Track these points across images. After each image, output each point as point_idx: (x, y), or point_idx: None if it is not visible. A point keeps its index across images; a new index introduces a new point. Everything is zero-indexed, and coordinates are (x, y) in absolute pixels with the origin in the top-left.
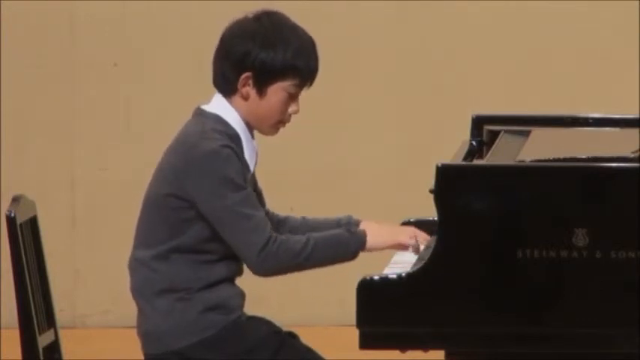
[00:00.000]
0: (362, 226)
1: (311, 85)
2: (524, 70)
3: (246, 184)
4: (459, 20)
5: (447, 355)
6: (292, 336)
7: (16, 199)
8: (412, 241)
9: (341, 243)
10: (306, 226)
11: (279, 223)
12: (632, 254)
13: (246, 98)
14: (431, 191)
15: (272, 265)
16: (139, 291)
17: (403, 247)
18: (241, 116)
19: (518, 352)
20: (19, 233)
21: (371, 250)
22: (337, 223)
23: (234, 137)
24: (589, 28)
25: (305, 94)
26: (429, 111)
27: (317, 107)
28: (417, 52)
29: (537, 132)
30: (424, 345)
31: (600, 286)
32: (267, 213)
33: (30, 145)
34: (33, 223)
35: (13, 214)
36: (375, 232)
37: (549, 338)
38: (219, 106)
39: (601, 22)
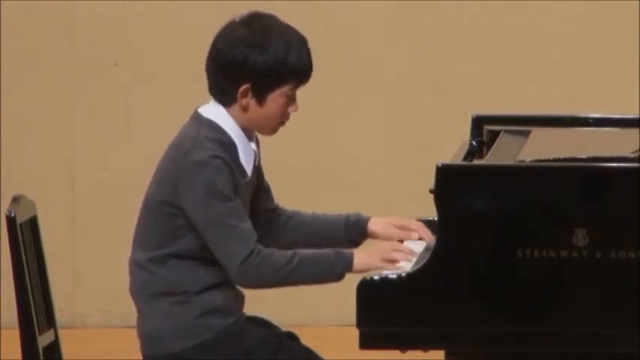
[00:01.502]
0: (370, 225)
1: (307, 82)
2: (524, 70)
3: (234, 195)
4: (459, 20)
5: (447, 355)
6: (292, 337)
7: (16, 199)
8: (400, 256)
9: (327, 263)
10: (315, 221)
11: (288, 218)
12: (632, 254)
13: (245, 109)
14: (431, 191)
15: (254, 278)
16: (137, 293)
17: (394, 262)
18: (238, 122)
19: (518, 352)
20: (19, 233)
21: (359, 271)
22: (346, 220)
23: (229, 144)
24: (589, 28)
25: (305, 95)
26: (429, 111)
27: (317, 107)
28: (417, 52)
29: (537, 132)
30: (424, 345)
31: (600, 286)
32: (277, 208)
33: (30, 145)
34: (33, 223)
35: (13, 214)
36: (361, 255)
37: (549, 338)
38: (215, 111)
39: (601, 22)
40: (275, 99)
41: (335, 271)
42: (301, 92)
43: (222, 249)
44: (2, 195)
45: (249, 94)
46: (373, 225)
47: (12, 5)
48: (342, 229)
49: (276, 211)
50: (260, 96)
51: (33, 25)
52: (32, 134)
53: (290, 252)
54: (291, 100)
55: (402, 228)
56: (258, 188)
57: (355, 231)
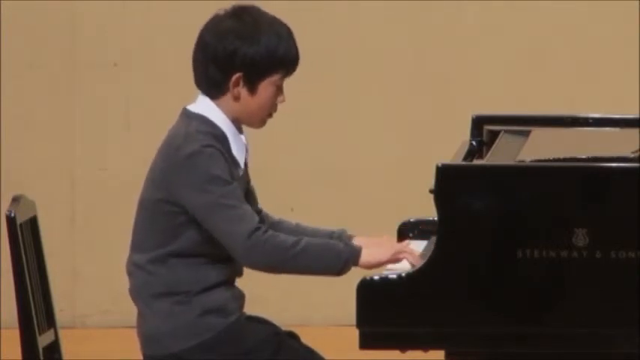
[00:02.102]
0: (354, 242)
1: (294, 72)
2: (524, 70)
3: (232, 180)
4: (459, 20)
5: (447, 355)
6: (292, 336)
7: (16, 199)
8: (406, 260)
9: (333, 252)
10: (299, 232)
11: (273, 226)
12: (632, 254)
13: (237, 98)
14: (431, 191)
15: (258, 255)
16: (137, 293)
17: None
18: (228, 114)
19: (518, 352)
20: (19, 233)
21: (363, 267)
22: (330, 236)
23: (221, 137)
24: (589, 28)
25: (305, 94)
26: (429, 111)
27: (317, 107)
28: (418, 52)
29: (537, 132)
30: (424, 345)
31: (600, 286)
32: (260, 213)
33: (30, 145)
34: (33, 223)
35: (13, 214)
36: (369, 250)
37: (549, 338)
38: (204, 106)
39: (601, 22)
40: (266, 88)
41: (341, 259)
42: (301, 92)
43: (225, 229)
44: (2, 195)
45: (241, 83)
46: (357, 244)
47: (12, 5)
48: None
49: (261, 214)
50: (251, 85)
51: (33, 25)
52: (32, 134)
53: (296, 237)
54: (279, 90)
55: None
56: (246, 189)
57: None
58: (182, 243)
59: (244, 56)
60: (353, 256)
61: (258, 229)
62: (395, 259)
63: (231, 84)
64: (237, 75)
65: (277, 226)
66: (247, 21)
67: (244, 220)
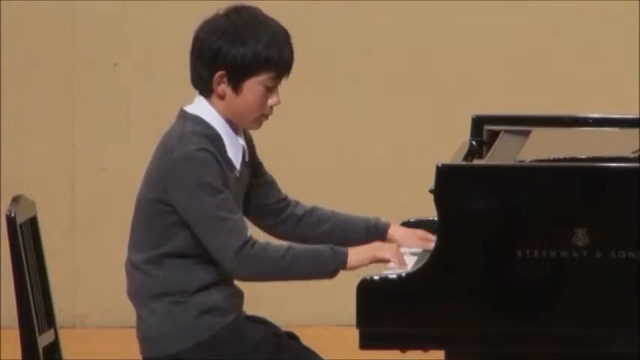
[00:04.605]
0: (390, 231)
1: (288, 75)
2: (524, 70)
3: (224, 188)
4: (459, 20)
5: (447, 355)
6: (292, 337)
7: (16, 199)
8: (394, 259)
9: (321, 259)
10: (335, 220)
11: (306, 213)
12: (632, 254)
13: (222, 97)
14: (431, 191)
15: (247, 269)
16: (135, 295)
17: (385, 262)
18: (222, 114)
19: (518, 352)
20: (19, 233)
21: (352, 269)
22: (366, 222)
23: (215, 138)
24: (589, 28)
25: (305, 94)
26: (429, 111)
27: (317, 107)
28: (417, 52)
29: (537, 132)
30: (424, 345)
31: (600, 286)
32: (286, 199)
33: (30, 145)
34: (33, 223)
35: (13, 214)
36: (354, 253)
37: (549, 338)
38: (199, 106)
39: (601, 22)
40: (251, 87)
41: (329, 268)
42: (301, 92)
43: (215, 241)
44: (2, 195)
45: (225, 81)
46: (394, 232)
47: (12, 5)
48: (362, 232)
49: (285, 201)
50: (235, 84)
51: (33, 25)
52: (32, 134)
53: (284, 245)
54: (270, 91)
55: (422, 238)
56: (258, 184)
57: (375, 236)
58: (177, 243)
59: (227, 54)
60: (340, 263)
61: (246, 242)
62: (379, 259)
63: (214, 82)
64: (220, 73)
65: (311, 213)
66: (237, 20)
67: (233, 234)
